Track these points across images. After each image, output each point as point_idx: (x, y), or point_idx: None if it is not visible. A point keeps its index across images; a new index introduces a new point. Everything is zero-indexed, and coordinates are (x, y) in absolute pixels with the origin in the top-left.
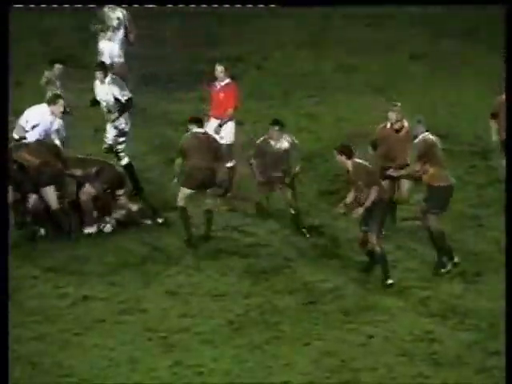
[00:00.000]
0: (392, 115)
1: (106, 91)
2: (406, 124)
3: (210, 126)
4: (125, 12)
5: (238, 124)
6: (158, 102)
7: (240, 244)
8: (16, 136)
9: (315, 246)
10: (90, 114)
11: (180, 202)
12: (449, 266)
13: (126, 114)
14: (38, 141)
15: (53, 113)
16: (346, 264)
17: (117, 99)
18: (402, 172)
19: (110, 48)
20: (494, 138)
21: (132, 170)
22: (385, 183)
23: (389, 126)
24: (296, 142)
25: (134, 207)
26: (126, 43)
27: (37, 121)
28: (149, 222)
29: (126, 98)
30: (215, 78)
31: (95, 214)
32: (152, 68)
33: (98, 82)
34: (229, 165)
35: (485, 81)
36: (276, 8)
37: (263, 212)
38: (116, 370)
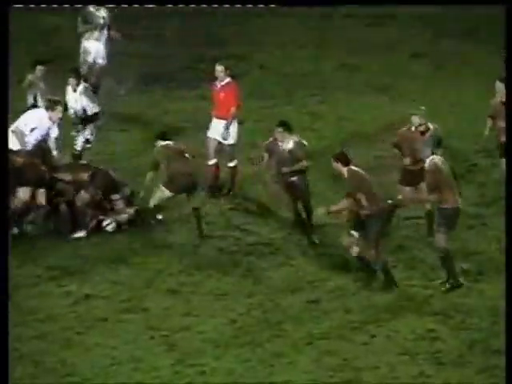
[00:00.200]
0: (415, 119)
1: (76, 99)
2: (431, 126)
3: (213, 126)
4: (107, 12)
5: (239, 123)
6: (159, 100)
7: (242, 243)
8: (16, 147)
9: (317, 244)
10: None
11: (153, 202)
12: (448, 285)
13: (92, 125)
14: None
15: (51, 118)
16: (350, 263)
17: (84, 110)
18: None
19: (96, 48)
20: (486, 132)
21: None
22: (408, 190)
23: (413, 128)
24: (303, 141)
25: (131, 210)
26: (110, 43)
27: (35, 124)
28: (151, 220)
29: (93, 111)
30: (215, 78)
31: (88, 219)
32: (153, 67)
33: (70, 89)
34: (231, 164)
35: (485, 80)
36: (277, 8)
37: (265, 211)
38: (118, 369)
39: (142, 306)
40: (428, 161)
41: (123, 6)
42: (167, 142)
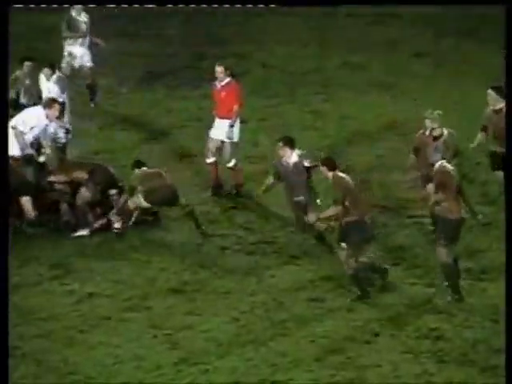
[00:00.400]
0: (428, 123)
1: (49, 89)
2: (445, 132)
3: (216, 125)
4: (88, 17)
5: (242, 122)
6: (161, 99)
7: (245, 241)
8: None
9: (321, 243)
10: (93, 111)
11: (131, 203)
12: (449, 298)
13: (68, 115)
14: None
15: (48, 116)
16: None
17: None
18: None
19: (81, 53)
20: (475, 144)
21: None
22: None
23: (428, 133)
24: (307, 154)
25: (131, 205)
26: (93, 47)
27: (33, 123)
28: (150, 218)
29: (61, 100)
30: (215, 78)
31: (90, 216)
32: (155, 66)
33: (43, 78)
34: (230, 164)
35: (487, 79)
36: (279, 6)
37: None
38: (121, 368)
39: (145, 304)
40: (438, 164)
41: (123, 5)
42: (143, 169)
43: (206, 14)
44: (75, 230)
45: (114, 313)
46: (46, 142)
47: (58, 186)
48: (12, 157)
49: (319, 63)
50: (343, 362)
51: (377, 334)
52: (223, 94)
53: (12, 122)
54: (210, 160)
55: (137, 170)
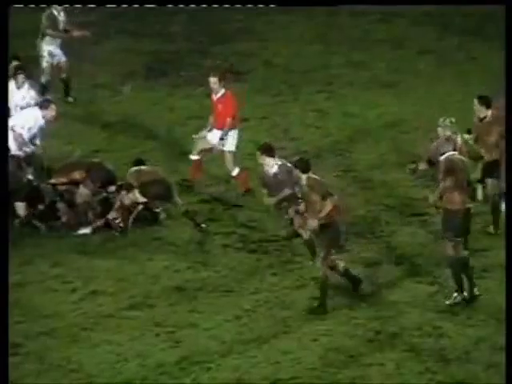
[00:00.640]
0: (440, 131)
1: (24, 96)
2: (458, 140)
3: (214, 135)
4: (66, 15)
5: (245, 120)
6: (163, 97)
7: (248, 239)
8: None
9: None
10: (95, 110)
11: (127, 201)
12: (454, 299)
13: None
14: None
15: (44, 117)
16: (354, 259)
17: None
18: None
19: (58, 51)
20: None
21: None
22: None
23: (442, 141)
24: (287, 164)
25: (127, 201)
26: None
27: (30, 124)
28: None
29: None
30: (222, 77)
31: (91, 214)
32: (159, 64)
33: (14, 86)
34: (234, 174)
35: (491, 77)
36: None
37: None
38: (124, 366)
39: (148, 302)
40: (447, 154)
41: (123, 5)
42: (140, 167)
43: (209, 11)
44: (77, 229)
45: (116, 311)
46: (41, 143)
47: (60, 188)
48: (12, 156)
49: (322, 61)
50: (346, 360)
51: (379, 332)
52: (219, 106)
53: (9, 123)
54: (194, 157)
55: (134, 168)
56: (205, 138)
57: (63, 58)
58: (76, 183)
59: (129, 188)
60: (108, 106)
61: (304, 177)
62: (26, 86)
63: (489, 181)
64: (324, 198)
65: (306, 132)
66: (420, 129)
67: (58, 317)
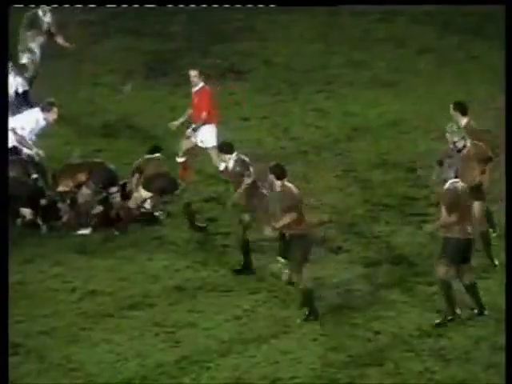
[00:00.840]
0: (448, 136)
1: (11, 83)
2: (468, 143)
3: (190, 129)
4: (52, 17)
5: (245, 120)
6: (164, 96)
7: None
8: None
9: (323, 241)
10: (95, 109)
11: (132, 203)
12: (443, 318)
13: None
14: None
15: (46, 119)
16: (354, 259)
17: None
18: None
19: (38, 51)
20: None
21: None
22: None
23: (452, 146)
24: (242, 157)
25: (131, 203)
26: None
27: (31, 126)
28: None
29: (24, 89)
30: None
31: (92, 215)
32: (159, 63)
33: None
34: (221, 168)
35: (492, 76)
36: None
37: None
38: (123, 365)
39: (147, 302)
40: (449, 183)
41: (123, 5)
42: (155, 155)
43: (209, 11)
44: (77, 229)
45: (116, 310)
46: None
47: (66, 194)
48: (16, 159)
49: (323, 61)
50: (345, 360)
51: (378, 332)
52: (196, 99)
53: (10, 125)
54: (180, 160)
55: (147, 155)
56: (188, 138)
57: (37, 57)
58: (77, 183)
59: (140, 172)
60: (108, 105)
61: (278, 183)
62: (13, 73)
63: (475, 203)
64: (287, 210)
65: (307, 131)
66: (420, 128)
67: (58, 316)
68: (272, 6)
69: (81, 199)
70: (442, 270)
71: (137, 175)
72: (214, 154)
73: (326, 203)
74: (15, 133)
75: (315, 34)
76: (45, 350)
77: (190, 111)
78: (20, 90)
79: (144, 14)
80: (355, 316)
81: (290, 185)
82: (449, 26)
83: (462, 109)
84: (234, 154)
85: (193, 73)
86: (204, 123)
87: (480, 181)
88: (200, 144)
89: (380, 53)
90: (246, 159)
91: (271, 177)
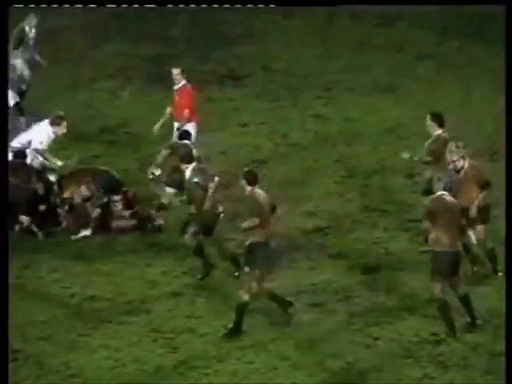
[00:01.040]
0: (448, 156)
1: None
2: (466, 164)
3: (175, 129)
4: (35, 33)
5: (244, 126)
6: (162, 101)
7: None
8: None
9: (322, 247)
10: (94, 114)
11: (164, 200)
12: (443, 335)
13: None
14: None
15: (56, 133)
16: (353, 265)
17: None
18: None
19: (22, 67)
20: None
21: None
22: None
23: (451, 166)
24: (200, 166)
25: (127, 213)
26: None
27: (44, 139)
28: (148, 226)
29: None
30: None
31: (90, 216)
32: (159, 68)
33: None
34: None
35: (491, 81)
36: (283, 8)
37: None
38: (122, 371)
39: (146, 308)
40: (437, 194)
41: (123, 5)
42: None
43: (209, 11)
44: (77, 232)
45: (114, 316)
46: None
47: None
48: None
49: (322, 66)
50: (344, 366)
51: (377, 338)
52: (177, 97)
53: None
54: (158, 172)
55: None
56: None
57: (26, 73)
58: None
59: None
60: (107, 110)
61: (248, 188)
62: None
63: (478, 227)
64: (250, 215)
65: (306, 137)
66: (419, 134)
67: (56, 322)
68: (272, 5)
69: (77, 199)
70: (437, 288)
71: (164, 152)
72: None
73: (325, 209)
74: (30, 145)
75: (314, 38)
76: (43, 356)
77: (169, 109)
78: (11, 103)
79: (142, 17)
80: (354, 322)
81: (258, 191)
82: (448, 30)
83: (440, 120)
84: (193, 164)
85: (175, 71)
86: (188, 121)
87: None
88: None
89: (379, 58)
90: (205, 169)
91: (243, 182)
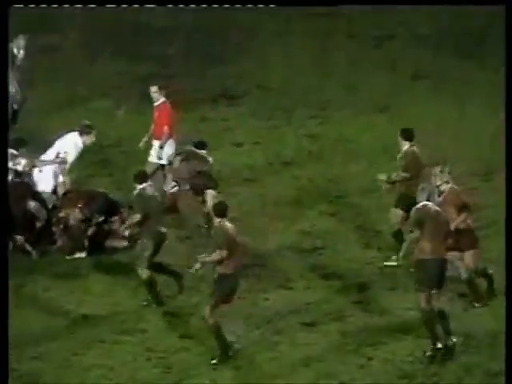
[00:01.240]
0: (433, 179)
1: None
2: (447, 187)
3: (154, 147)
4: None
5: (238, 146)
6: None
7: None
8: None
9: (316, 266)
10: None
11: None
12: (429, 352)
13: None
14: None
15: (84, 143)
16: (346, 285)
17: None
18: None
19: (15, 87)
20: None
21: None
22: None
23: (436, 188)
24: (140, 192)
25: (126, 232)
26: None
27: (72, 150)
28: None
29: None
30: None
31: (85, 237)
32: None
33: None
34: (166, 188)
35: (487, 100)
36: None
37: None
38: None
39: (140, 327)
40: (421, 204)
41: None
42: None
43: (207, 31)
44: (72, 253)
45: (108, 335)
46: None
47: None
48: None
49: (316, 85)
50: None
51: (371, 358)
52: (156, 114)
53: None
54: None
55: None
56: (148, 161)
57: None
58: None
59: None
60: (102, 129)
61: (217, 220)
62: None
63: (466, 254)
64: (217, 247)
65: (299, 156)
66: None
67: (51, 340)
68: (272, 5)
69: (72, 221)
70: (422, 299)
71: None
72: (168, 171)
73: (319, 228)
74: (58, 156)
75: (310, 57)
76: (37, 375)
77: (153, 126)
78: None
79: (138, 36)
80: (348, 342)
81: (228, 224)
82: (444, 49)
83: (409, 135)
84: (140, 186)
85: (153, 88)
86: (168, 138)
87: (464, 227)
88: (158, 161)
89: (373, 77)
90: (145, 193)
91: (212, 214)
